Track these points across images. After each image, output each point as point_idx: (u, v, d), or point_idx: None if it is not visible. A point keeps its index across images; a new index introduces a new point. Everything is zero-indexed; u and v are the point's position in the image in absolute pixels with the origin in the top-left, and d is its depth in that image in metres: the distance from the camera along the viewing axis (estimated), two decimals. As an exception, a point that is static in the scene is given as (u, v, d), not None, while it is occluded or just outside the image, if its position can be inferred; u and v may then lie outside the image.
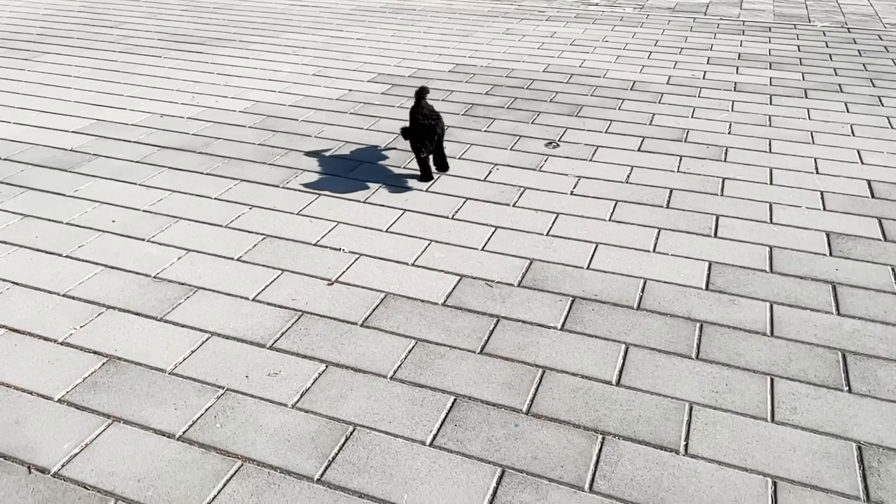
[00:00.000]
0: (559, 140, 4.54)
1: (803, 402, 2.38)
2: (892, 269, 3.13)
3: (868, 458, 2.16)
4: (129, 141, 4.45)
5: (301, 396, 2.38)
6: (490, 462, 2.14)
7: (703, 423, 2.28)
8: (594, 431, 2.25)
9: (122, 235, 3.37)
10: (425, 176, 3.93)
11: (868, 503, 2.01)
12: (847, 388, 2.44)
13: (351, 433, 2.24)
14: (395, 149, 4.37)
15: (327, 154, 4.29)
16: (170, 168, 4.08)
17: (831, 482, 2.07)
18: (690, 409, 2.34)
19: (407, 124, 4.04)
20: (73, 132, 4.58)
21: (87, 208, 3.62)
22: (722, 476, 2.09)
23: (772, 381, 2.47)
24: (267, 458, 2.15)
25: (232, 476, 2.08)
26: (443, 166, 4.03)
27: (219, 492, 2.03)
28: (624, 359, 2.57)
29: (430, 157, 3.93)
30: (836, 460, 2.15)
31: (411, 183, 3.92)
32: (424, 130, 3.71)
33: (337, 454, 2.16)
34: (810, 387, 2.44)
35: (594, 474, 2.10)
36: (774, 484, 2.07)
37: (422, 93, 3.99)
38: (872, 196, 3.81)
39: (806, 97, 5.36)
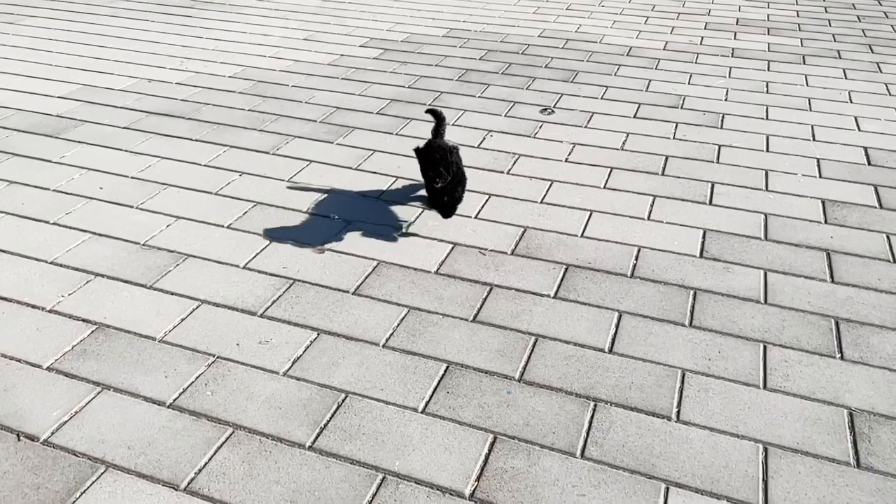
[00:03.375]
0: (554, 106, 4.48)
1: (796, 369, 2.38)
2: (887, 237, 3.12)
3: (859, 425, 2.16)
4: (117, 107, 4.37)
5: (293, 364, 2.37)
6: (482, 429, 2.14)
7: (695, 390, 2.28)
8: (586, 398, 2.25)
9: (109, 202, 3.31)
10: (436, 204, 3.14)
11: (858, 469, 2.02)
12: (839, 355, 2.44)
13: (343, 400, 2.23)
14: (387, 115, 4.30)
15: (318, 120, 4.22)
16: (158, 134, 4.01)
17: (822, 448, 2.08)
18: (683, 376, 2.34)
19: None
20: (59, 97, 4.49)
21: (74, 175, 3.56)
22: (713, 442, 2.10)
23: (764, 348, 2.46)
24: (258, 425, 2.14)
25: (223, 443, 2.07)
26: (448, 210, 3.12)
27: (210, 458, 2.02)
28: (617, 326, 2.56)
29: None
30: (828, 426, 2.16)
31: (404, 150, 3.86)
32: (438, 154, 2.95)
33: (329, 421, 2.15)
34: (803, 354, 2.44)
35: (586, 440, 2.10)
36: (765, 450, 2.07)
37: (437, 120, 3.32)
38: (869, 163, 3.78)
39: (804, 63, 5.29)
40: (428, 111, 3.45)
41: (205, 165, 3.67)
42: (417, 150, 3.03)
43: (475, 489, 1.95)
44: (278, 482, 1.96)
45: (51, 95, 4.52)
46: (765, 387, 2.30)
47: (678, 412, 2.20)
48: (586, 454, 2.06)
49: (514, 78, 4.94)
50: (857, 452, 2.07)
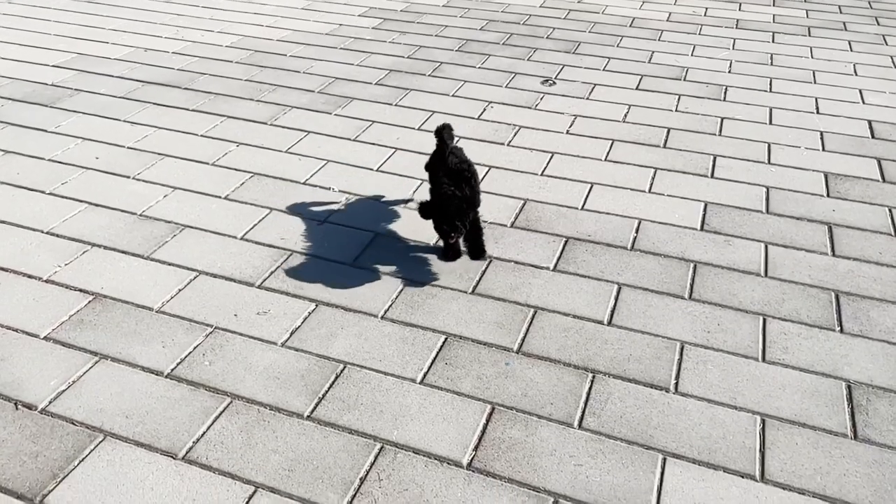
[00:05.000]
0: (555, 78, 4.42)
1: (795, 341, 2.37)
2: (889, 210, 3.10)
3: (857, 397, 2.16)
4: (112, 76, 4.31)
5: (291, 335, 2.36)
6: (480, 399, 2.14)
7: (693, 363, 2.28)
8: (585, 370, 2.25)
9: (106, 172, 3.28)
10: (450, 255, 2.71)
11: (856, 441, 2.03)
12: (839, 328, 2.44)
13: (341, 371, 2.23)
14: (386, 85, 4.25)
15: (316, 90, 4.17)
16: (154, 104, 3.96)
17: (820, 420, 2.08)
18: (682, 349, 2.33)
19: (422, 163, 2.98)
20: (53, 66, 4.43)
21: (69, 144, 3.52)
22: (711, 414, 2.10)
23: (764, 321, 2.46)
24: (256, 395, 2.14)
25: (221, 413, 2.07)
26: (478, 253, 2.66)
27: (208, 428, 2.02)
28: (616, 299, 2.55)
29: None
30: (826, 399, 2.16)
31: (403, 122, 3.82)
32: (454, 204, 2.48)
33: (327, 391, 2.15)
34: (802, 327, 2.43)
35: (584, 411, 2.10)
36: (763, 421, 2.07)
37: (443, 133, 2.80)
38: (873, 136, 3.74)
39: (809, 35, 5.22)
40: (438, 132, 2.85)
41: (202, 136, 3.63)
42: (425, 205, 2.54)
43: (473, 459, 1.95)
44: (276, 451, 1.96)
45: (45, 64, 4.46)
46: (763, 359, 2.30)
47: (676, 384, 2.20)
48: (584, 425, 2.06)
49: (515, 48, 4.87)
50: (854, 424, 2.07)
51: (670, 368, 2.26)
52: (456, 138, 2.73)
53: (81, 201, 3.05)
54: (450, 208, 2.47)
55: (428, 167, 2.82)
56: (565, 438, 2.02)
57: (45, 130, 3.65)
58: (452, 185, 2.53)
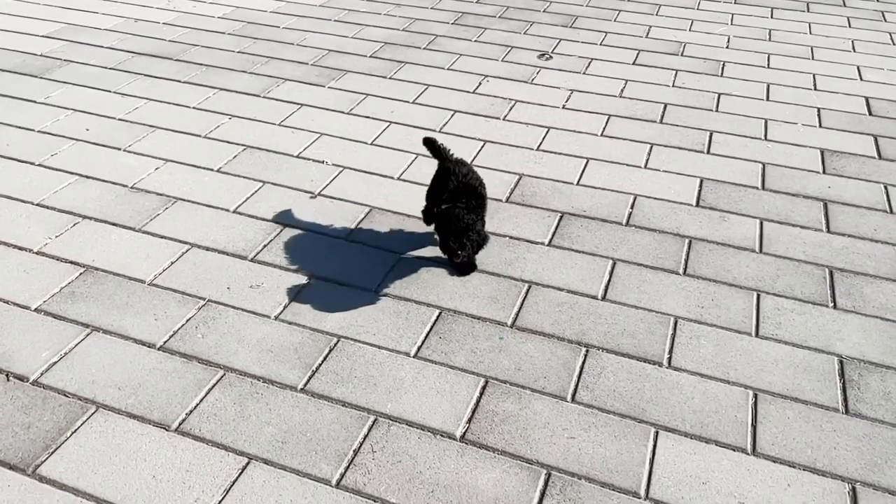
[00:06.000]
0: (552, 52, 4.37)
1: (788, 317, 2.37)
2: (885, 187, 3.09)
3: (849, 372, 2.17)
4: (103, 46, 4.24)
5: (284, 308, 2.35)
6: (474, 373, 2.14)
7: (687, 337, 2.28)
8: (578, 344, 2.25)
9: (96, 144, 3.24)
10: (464, 269, 2.52)
11: (847, 415, 2.04)
12: (832, 303, 2.44)
13: (335, 345, 2.22)
14: (381, 58, 4.19)
15: (310, 63, 4.11)
16: (145, 75, 3.90)
17: (811, 394, 2.09)
18: (675, 324, 2.33)
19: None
20: (42, 36, 4.35)
21: (59, 116, 3.47)
22: (704, 388, 2.11)
23: (758, 296, 2.46)
24: (250, 367, 2.13)
25: (214, 385, 2.07)
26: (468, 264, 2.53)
27: (201, 400, 2.02)
28: (611, 274, 2.55)
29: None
30: (818, 374, 2.16)
31: (398, 95, 3.78)
32: (461, 224, 2.31)
33: (321, 364, 2.15)
34: (796, 302, 2.44)
35: (577, 385, 2.10)
36: (755, 396, 2.08)
37: (440, 149, 2.58)
38: (870, 113, 3.72)
39: (808, 11, 5.17)
40: (427, 144, 2.64)
41: (194, 108, 3.58)
42: (435, 215, 2.40)
43: (466, 431, 1.96)
44: (270, 423, 1.96)
45: (34, 35, 4.38)
46: (757, 334, 2.30)
47: (670, 358, 2.20)
48: (577, 398, 2.06)
49: (511, 22, 4.81)
50: (846, 399, 2.09)
51: (664, 343, 2.26)
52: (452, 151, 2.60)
53: (72, 173, 3.02)
54: (458, 225, 2.30)
55: (430, 191, 2.57)
56: (558, 412, 2.02)
57: (35, 101, 3.60)
58: (461, 200, 2.37)
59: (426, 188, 2.64)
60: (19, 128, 3.35)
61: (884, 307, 2.42)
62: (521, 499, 1.79)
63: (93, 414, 1.97)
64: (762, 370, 2.17)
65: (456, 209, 2.36)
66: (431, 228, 2.71)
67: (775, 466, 1.89)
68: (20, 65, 3.98)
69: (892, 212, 2.93)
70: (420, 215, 2.75)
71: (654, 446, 1.93)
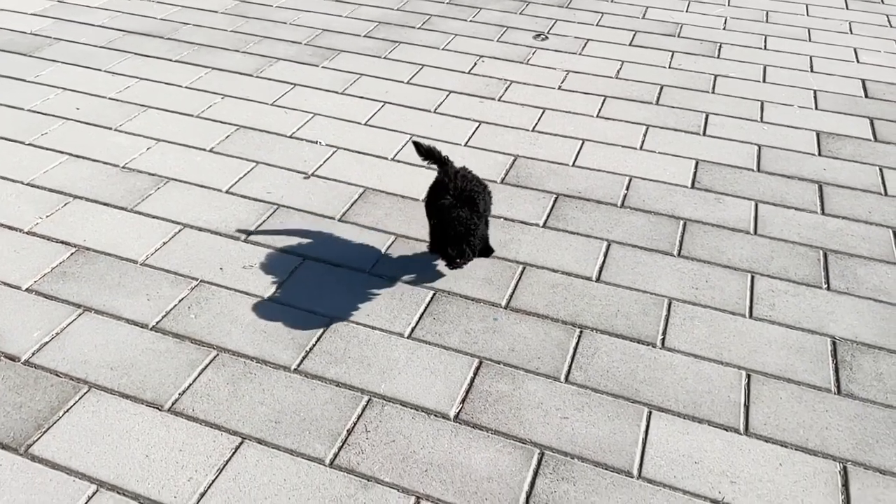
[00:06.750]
0: (548, 32, 4.33)
1: (782, 298, 2.38)
2: (880, 170, 3.09)
3: (842, 353, 2.18)
4: (93, 25, 4.18)
5: (277, 289, 2.34)
6: (468, 353, 2.14)
7: (681, 318, 2.28)
8: (572, 325, 2.25)
9: (87, 123, 3.20)
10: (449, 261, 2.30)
11: (839, 395, 2.05)
12: (826, 285, 2.44)
13: (328, 325, 2.21)
14: (375, 38, 4.15)
15: (304, 42, 4.07)
16: (136, 54, 3.85)
17: (804, 375, 2.10)
18: (669, 305, 2.33)
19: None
20: (31, 14, 4.29)
21: (49, 95, 3.43)
22: (697, 368, 2.11)
23: (752, 278, 2.46)
24: (243, 348, 2.12)
25: (207, 365, 2.06)
26: (484, 250, 2.43)
27: (194, 380, 2.01)
28: (605, 255, 2.54)
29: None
30: (811, 355, 2.17)
31: (392, 75, 3.74)
32: (459, 229, 2.16)
33: (314, 345, 2.14)
34: (790, 284, 2.44)
35: (571, 366, 2.11)
36: (748, 376, 2.09)
37: (438, 156, 2.42)
38: (866, 96, 3.71)
39: (806, -7, 5.13)
40: (419, 150, 2.45)
41: (186, 87, 3.54)
42: (438, 207, 2.22)
43: (460, 411, 1.96)
44: (263, 403, 1.96)
45: (23, 12, 4.31)
46: (751, 315, 2.30)
47: (663, 339, 2.21)
48: (571, 379, 2.07)
49: (506, 2, 4.76)
50: (838, 380, 2.09)
51: (657, 324, 2.26)
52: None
53: (62, 152, 2.99)
54: (456, 231, 2.14)
55: (428, 203, 2.36)
56: (552, 392, 2.02)
57: (24, 80, 3.55)
58: (460, 203, 2.20)
59: (426, 187, 2.41)
60: (9, 107, 3.31)
61: (877, 289, 2.43)
62: (514, 478, 1.80)
63: (85, 394, 1.96)
64: (755, 351, 2.17)
65: (456, 209, 2.19)
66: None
67: (767, 446, 1.90)
68: (9, 43, 3.92)
69: (886, 194, 2.93)
70: (415, 197, 2.73)
71: (647, 426, 1.94)
